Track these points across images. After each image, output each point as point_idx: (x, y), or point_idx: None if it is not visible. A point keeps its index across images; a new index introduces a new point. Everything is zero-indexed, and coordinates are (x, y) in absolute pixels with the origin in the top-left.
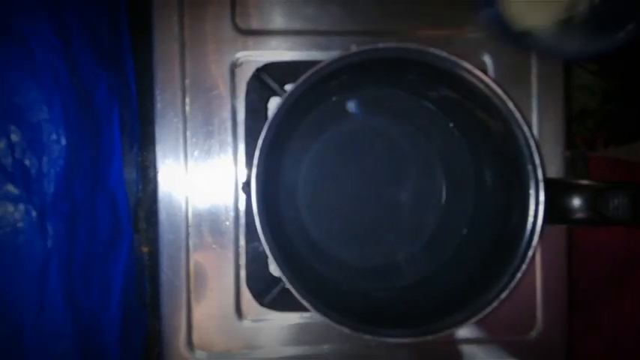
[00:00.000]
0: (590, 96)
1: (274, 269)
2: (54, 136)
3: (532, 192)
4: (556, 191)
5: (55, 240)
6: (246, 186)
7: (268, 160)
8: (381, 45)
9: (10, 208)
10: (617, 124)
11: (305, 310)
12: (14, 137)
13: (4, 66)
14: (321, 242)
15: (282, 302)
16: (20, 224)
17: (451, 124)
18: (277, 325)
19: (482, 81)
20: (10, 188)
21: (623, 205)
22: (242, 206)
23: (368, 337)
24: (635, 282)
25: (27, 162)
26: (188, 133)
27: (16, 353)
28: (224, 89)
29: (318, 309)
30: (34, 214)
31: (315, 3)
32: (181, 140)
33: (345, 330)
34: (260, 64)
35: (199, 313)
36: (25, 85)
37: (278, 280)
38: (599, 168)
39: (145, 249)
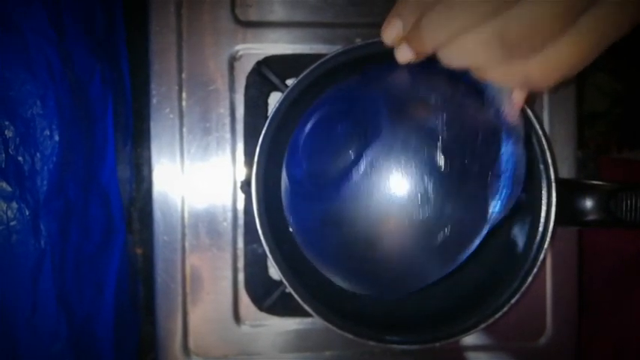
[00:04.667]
0: (600, 97)
1: (274, 272)
2: (47, 132)
3: (544, 192)
4: (568, 192)
5: (48, 240)
6: (246, 185)
7: (269, 158)
8: None
9: (3, 206)
10: (629, 127)
11: (306, 315)
12: (8, 133)
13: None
14: None
15: (282, 307)
16: (13, 223)
17: None
18: (277, 330)
19: None
20: (4, 185)
21: (637, 206)
22: (240, 206)
23: (372, 343)
24: None
25: (20, 158)
26: (184, 130)
27: (10, 354)
28: (222, 84)
29: (320, 314)
30: (27, 212)
31: None
32: (177, 137)
33: (349, 336)
34: (260, 58)
35: (195, 317)
36: (20, 78)
37: (278, 283)
38: (610, 169)
39: (138, 250)
